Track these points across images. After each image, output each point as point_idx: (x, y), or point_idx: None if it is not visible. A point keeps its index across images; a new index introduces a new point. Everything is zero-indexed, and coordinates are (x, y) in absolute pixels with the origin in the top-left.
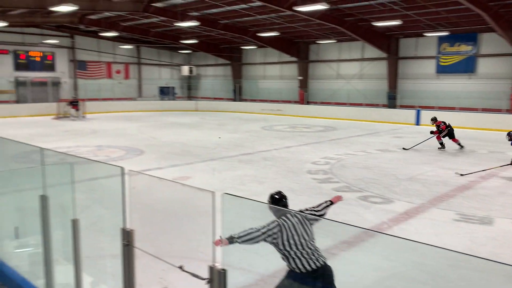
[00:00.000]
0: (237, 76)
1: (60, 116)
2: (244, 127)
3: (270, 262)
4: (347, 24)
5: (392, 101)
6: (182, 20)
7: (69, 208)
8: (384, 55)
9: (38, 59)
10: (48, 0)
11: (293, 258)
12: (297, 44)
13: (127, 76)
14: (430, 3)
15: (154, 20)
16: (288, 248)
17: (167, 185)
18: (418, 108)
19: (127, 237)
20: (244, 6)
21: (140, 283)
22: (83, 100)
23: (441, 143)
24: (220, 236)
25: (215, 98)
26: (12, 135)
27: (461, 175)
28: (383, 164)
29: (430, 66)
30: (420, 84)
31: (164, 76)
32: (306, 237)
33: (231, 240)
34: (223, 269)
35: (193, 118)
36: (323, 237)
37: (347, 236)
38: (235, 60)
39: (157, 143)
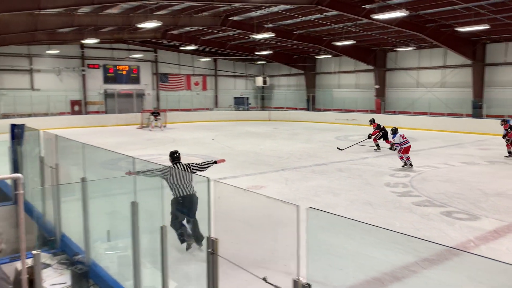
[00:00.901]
0: (311, 85)
1: (144, 126)
2: (317, 137)
3: (347, 276)
4: (428, 30)
5: (477, 111)
6: (258, 32)
7: (155, 214)
8: (468, 61)
9: (124, 72)
10: (135, 18)
11: (175, 189)
12: (373, 52)
13: (204, 88)
14: None
15: (230, 33)
16: (173, 182)
17: (251, 196)
18: (508, 118)
19: (212, 246)
20: (319, 16)
21: None
22: (164, 110)
23: (377, 145)
24: (130, 170)
25: (288, 108)
26: (101, 143)
27: (340, 149)
28: (468, 177)
29: None
30: (510, 92)
31: (239, 87)
32: (185, 177)
33: (137, 173)
34: (308, 284)
35: (266, 127)
36: (403, 254)
37: (429, 253)
38: (308, 70)
39: (232, 152)
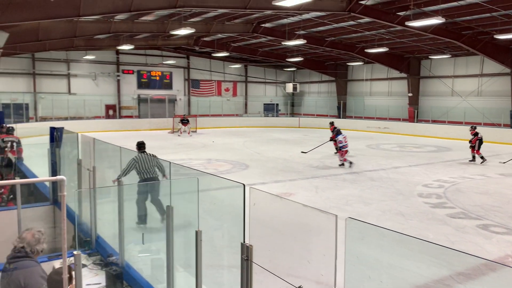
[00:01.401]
0: (342, 92)
1: (175, 130)
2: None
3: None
4: (465, 37)
5: None
6: (289, 39)
7: (190, 218)
8: (507, 70)
9: (157, 78)
10: (169, 25)
11: (141, 173)
12: (407, 60)
13: (234, 94)
14: None
15: (262, 40)
16: (139, 168)
17: (287, 204)
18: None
19: (246, 252)
20: (352, 23)
21: None
22: (194, 116)
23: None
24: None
25: (318, 115)
26: (134, 147)
27: (304, 152)
28: (506, 190)
29: None
30: None
31: (269, 93)
32: (150, 164)
33: (118, 178)
34: None
35: (296, 134)
36: (438, 267)
37: (464, 267)
38: (340, 77)
39: (261, 158)
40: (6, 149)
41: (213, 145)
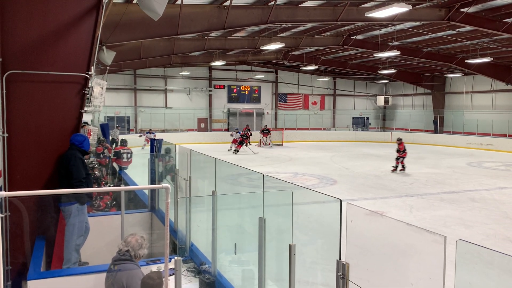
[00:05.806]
0: (439, 106)
1: (263, 144)
2: (446, 162)
3: None
4: None
5: None
6: (382, 50)
7: (283, 231)
8: None
9: (246, 92)
10: (259, 40)
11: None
12: None
13: (322, 107)
14: None
15: (352, 52)
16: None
17: (387, 222)
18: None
19: (342, 270)
20: (451, 32)
21: None
22: (281, 129)
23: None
24: None
25: (412, 130)
26: (222, 159)
27: None
28: None
29: None
30: None
31: (358, 106)
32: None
33: None
34: None
35: (387, 150)
36: None
37: None
38: (437, 89)
39: (350, 173)
40: (109, 158)
41: (299, 159)
